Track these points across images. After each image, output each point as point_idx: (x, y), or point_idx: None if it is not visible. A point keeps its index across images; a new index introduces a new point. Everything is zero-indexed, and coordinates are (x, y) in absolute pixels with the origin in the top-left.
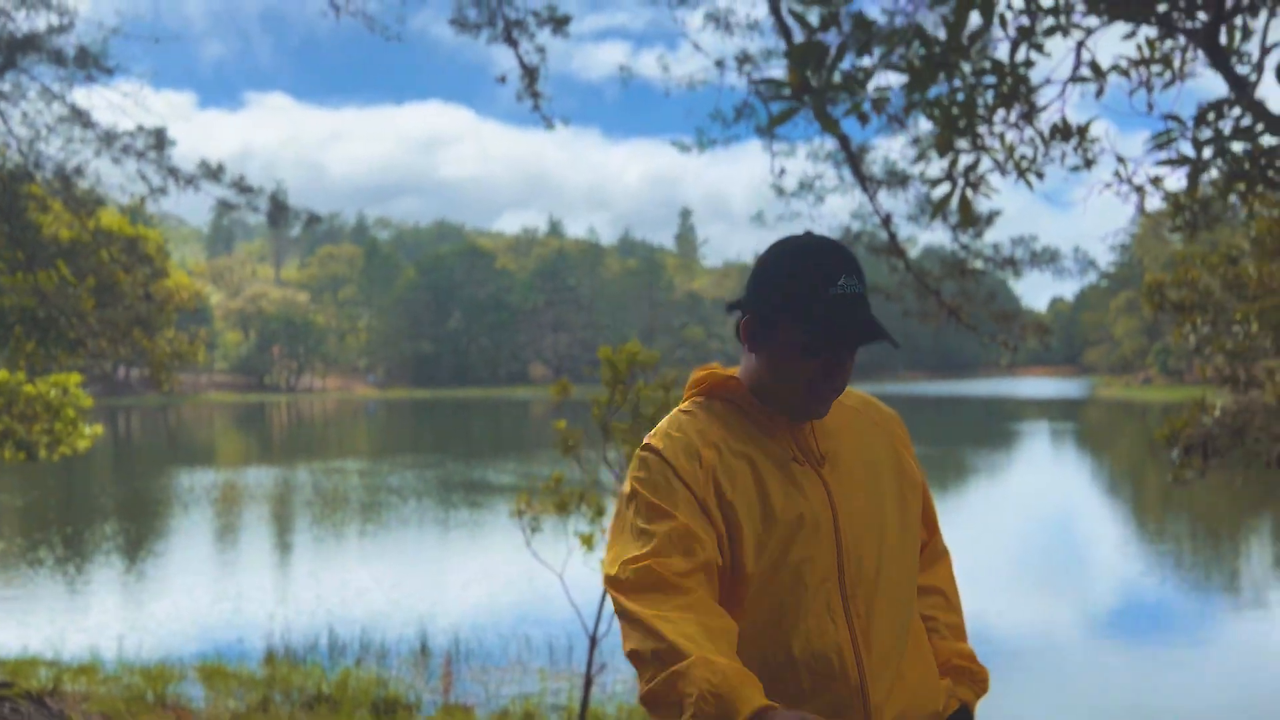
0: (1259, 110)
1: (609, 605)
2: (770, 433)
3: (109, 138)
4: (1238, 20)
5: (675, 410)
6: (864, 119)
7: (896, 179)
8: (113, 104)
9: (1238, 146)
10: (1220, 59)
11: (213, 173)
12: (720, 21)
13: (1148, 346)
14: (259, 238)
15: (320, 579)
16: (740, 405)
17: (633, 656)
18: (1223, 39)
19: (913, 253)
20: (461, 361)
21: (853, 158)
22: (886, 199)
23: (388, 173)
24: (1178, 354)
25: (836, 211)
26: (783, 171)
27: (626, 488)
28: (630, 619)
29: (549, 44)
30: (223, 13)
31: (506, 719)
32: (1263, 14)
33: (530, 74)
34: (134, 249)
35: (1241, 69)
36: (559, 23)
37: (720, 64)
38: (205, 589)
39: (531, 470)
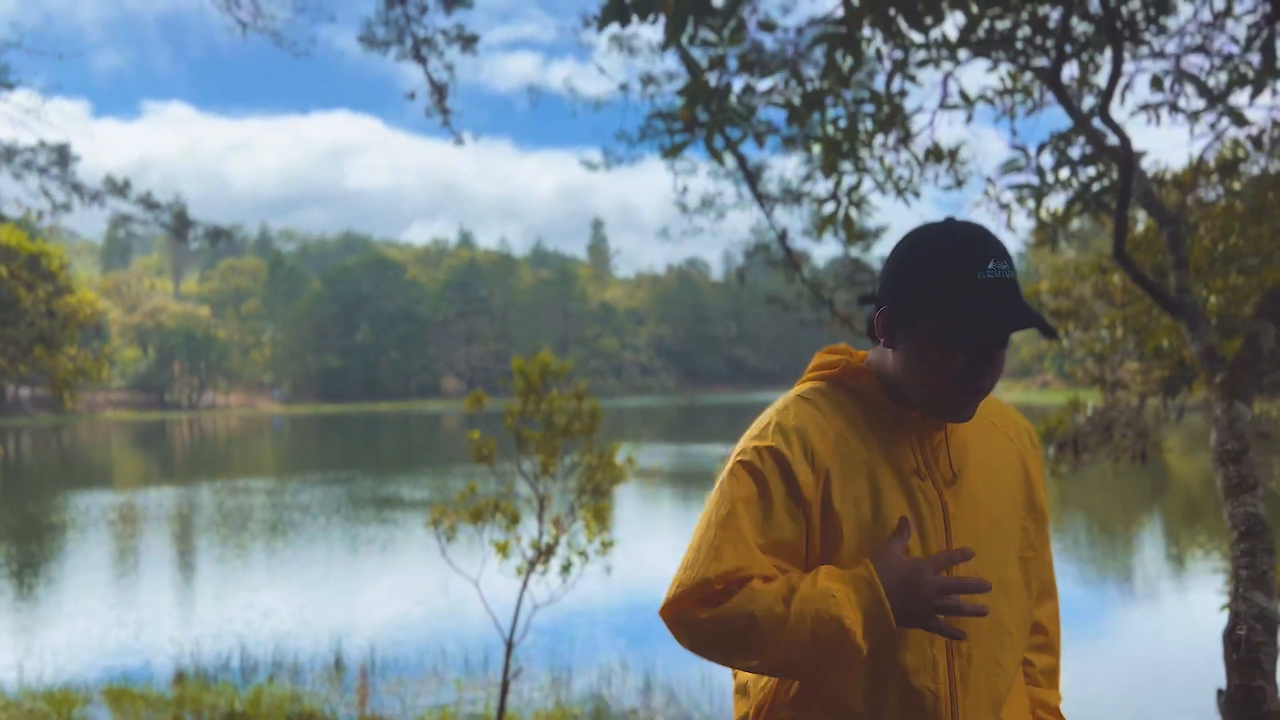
0: (1097, 141)
1: (525, 609)
2: (897, 434)
3: (9, 153)
4: (1085, 56)
5: (793, 394)
6: (759, 139)
7: (791, 196)
8: (10, 118)
9: (1084, 173)
10: (1062, 94)
11: (118, 188)
12: (624, 45)
13: (1045, 351)
14: (157, 251)
15: (228, 599)
16: (868, 398)
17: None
18: (1071, 74)
19: (817, 264)
20: (370, 375)
21: (750, 177)
22: (782, 215)
23: (292, 184)
24: (1070, 358)
25: (737, 227)
26: (685, 189)
27: (728, 484)
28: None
29: (457, 60)
30: (118, 21)
31: None
32: (1108, 51)
33: (439, 91)
34: (35, 266)
35: (1093, 100)
36: (467, 41)
37: (625, 87)
38: (107, 613)
39: (444, 484)
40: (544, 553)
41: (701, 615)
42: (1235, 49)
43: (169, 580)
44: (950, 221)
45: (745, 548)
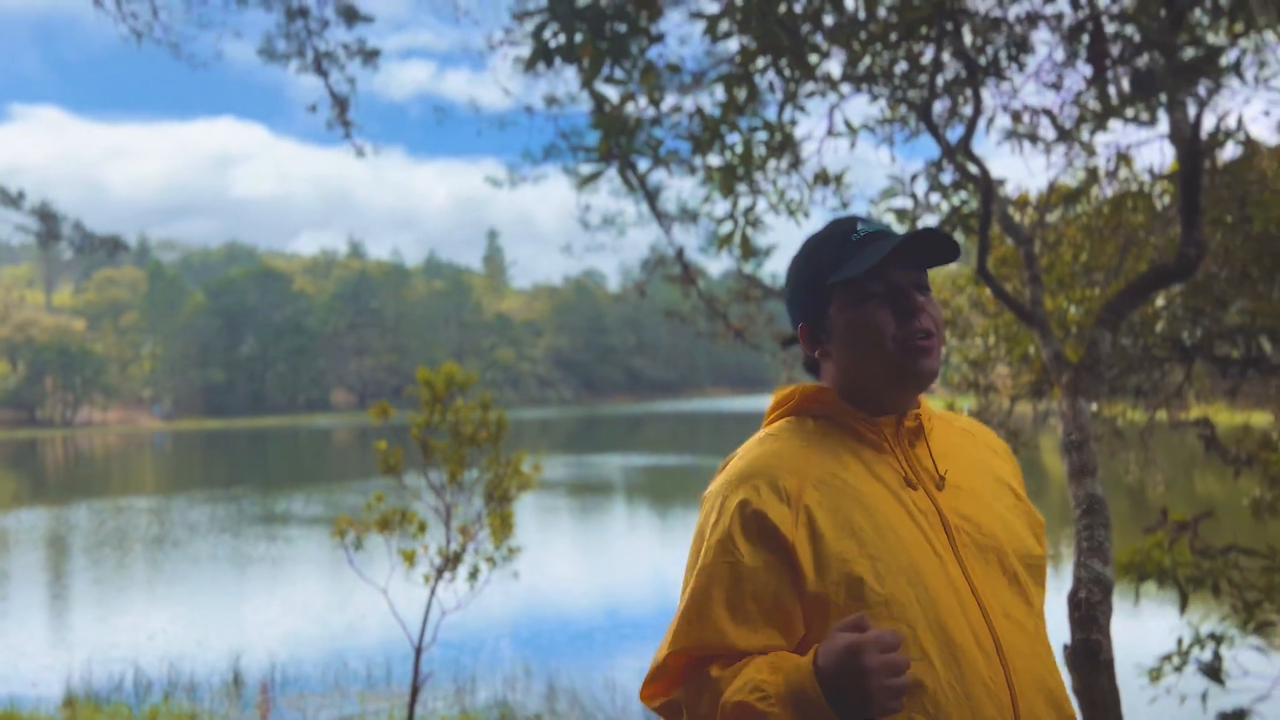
0: (963, 169)
1: (434, 614)
2: (877, 448)
3: None
4: (954, 92)
5: (756, 436)
6: (667, 168)
7: (688, 215)
8: None
9: (956, 197)
10: (932, 126)
11: (12, 200)
12: (524, 60)
13: None
14: (26, 261)
15: (115, 620)
16: (837, 419)
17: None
18: (944, 106)
19: (712, 278)
20: (257, 389)
21: (650, 196)
22: (680, 233)
23: (173, 192)
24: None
25: (637, 244)
26: (588, 207)
27: (704, 545)
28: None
29: (358, 73)
30: None
31: None
32: (975, 87)
33: (341, 104)
34: None
35: (963, 130)
36: (368, 55)
37: (530, 110)
38: None
39: (338, 499)
40: (451, 560)
41: (654, 704)
42: (1082, 87)
43: (48, 603)
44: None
45: (710, 623)
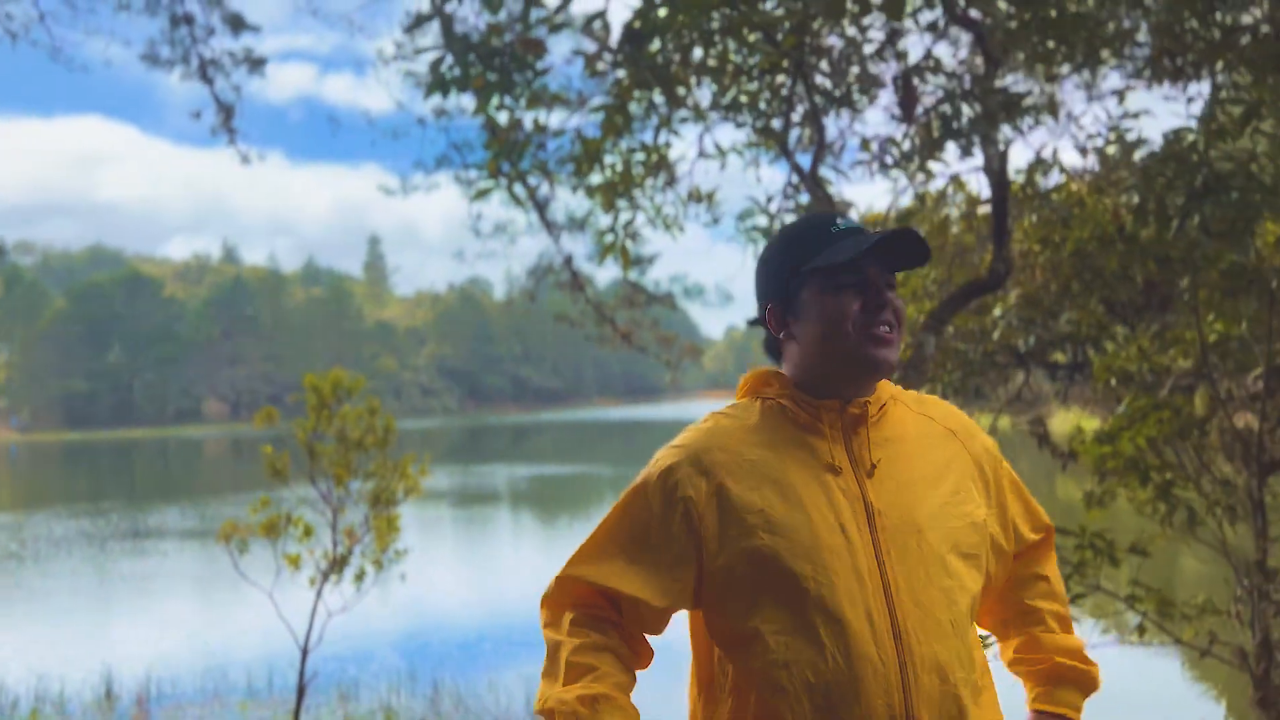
0: (815, 192)
1: (320, 617)
2: (814, 432)
3: None
4: (809, 122)
5: (709, 414)
6: (551, 183)
7: (576, 224)
8: None
9: None
10: (787, 153)
11: None
12: (419, 81)
13: None
14: None
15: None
16: (783, 403)
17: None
18: (803, 133)
19: (599, 285)
20: (123, 399)
21: (539, 207)
22: (569, 241)
23: (33, 193)
24: None
25: (525, 251)
26: (480, 216)
27: (622, 498)
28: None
29: (244, 81)
30: None
31: None
32: (831, 116)
33: (226, 111)
34: None
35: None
36: (255, 63)
37: (422, 122)
38: None
39: (211, 511)
40: (337, 562)
41: (542, 625)
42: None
43: None
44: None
45: (604, 559)
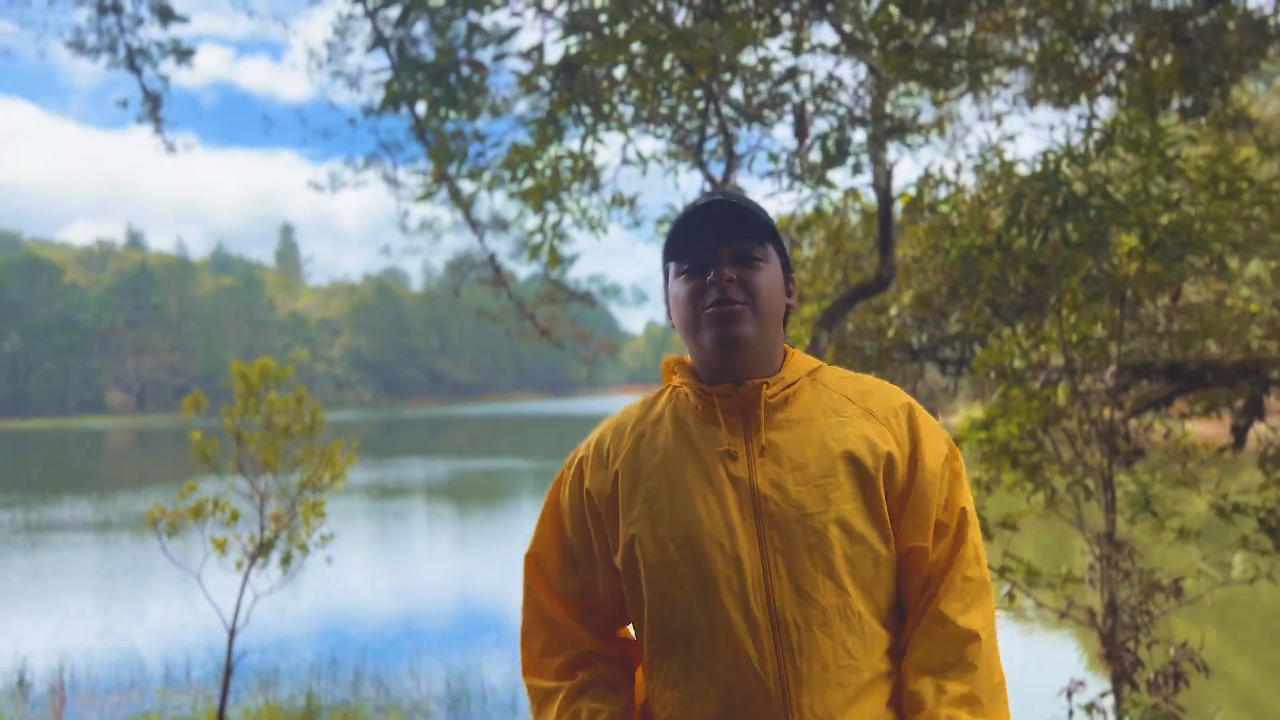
0: None
1: (247, 601)
2: (710, 419)
3: None
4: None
5: (630, 403)
6: (489, 187)
7: (500, 224)
8: None
9: None
10: (701, 163)
11: None
12: (353, 82)
13: None
14: None
15: None
16: (686, 389)
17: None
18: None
19: (520, 281)
20: (20, 389)
21: (464, 206)
22: (492, 240)
23: None
24: None
25: (453, 247)
26: (407, 213)
27: (550, 486)
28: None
29: (171, 71)
30: None
31: None
32: (744, 128)
33: (153, 100)
34: None
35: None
36: (183, 54)
37: (353, 122)
38: None
39: (122, 505)
40: (264, 546)
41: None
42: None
43: None
44: None
45: (549, 557)
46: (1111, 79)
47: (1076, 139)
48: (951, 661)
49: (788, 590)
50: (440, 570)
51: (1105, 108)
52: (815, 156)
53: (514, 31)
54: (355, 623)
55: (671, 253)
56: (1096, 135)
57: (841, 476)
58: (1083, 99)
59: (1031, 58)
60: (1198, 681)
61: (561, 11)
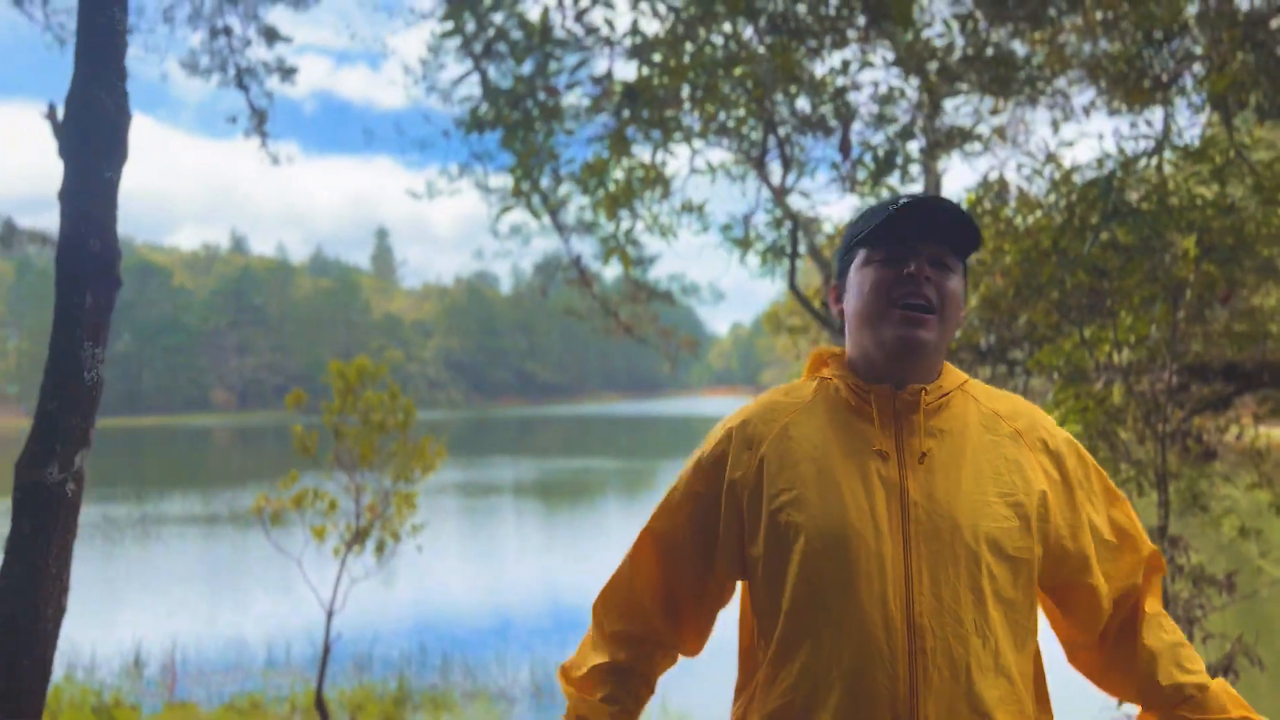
0: (783, 207)
1: (344, 582)
2: (863, 416)
3: None
4: (785, 148)
5: (772, 389)
6: (561, 204)
7: (585, 227)
8: None
9: (780, 232)
10: (764, 175)
11: None
12: (446, 97)
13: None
14: None
15: None
16: (839, 384)
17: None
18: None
19: (607, 282)
20: (132, 388)
21: (551, 209)
22: (577, 242)
23: (45, 181)
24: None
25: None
26: (498, 218)
27: (686, 464)
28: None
29: (275, 88)
30: None
31: (232, 708)
32: (803, 140)
33: (260, 116)
34: None
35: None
36: (287, 72)
37: (447, 134)
38: None
39: (230, 499)
40: (360, 535)
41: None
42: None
43: None
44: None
45: (668, 536)
46: (1187, 81)
47: (1132, 146)
48: (1178, 642)
49: (928, 597)
50: (528, 567)
51: (1167, 113)
52: (863, 170)
53: (583, 63)
54: (444, 614)
55: (868, 238)
56: (1150, 142)
57: (994, 493)
58: (1153, 104)
59: (1106, 62)
60: (1253, 676)
61: (627, 42)
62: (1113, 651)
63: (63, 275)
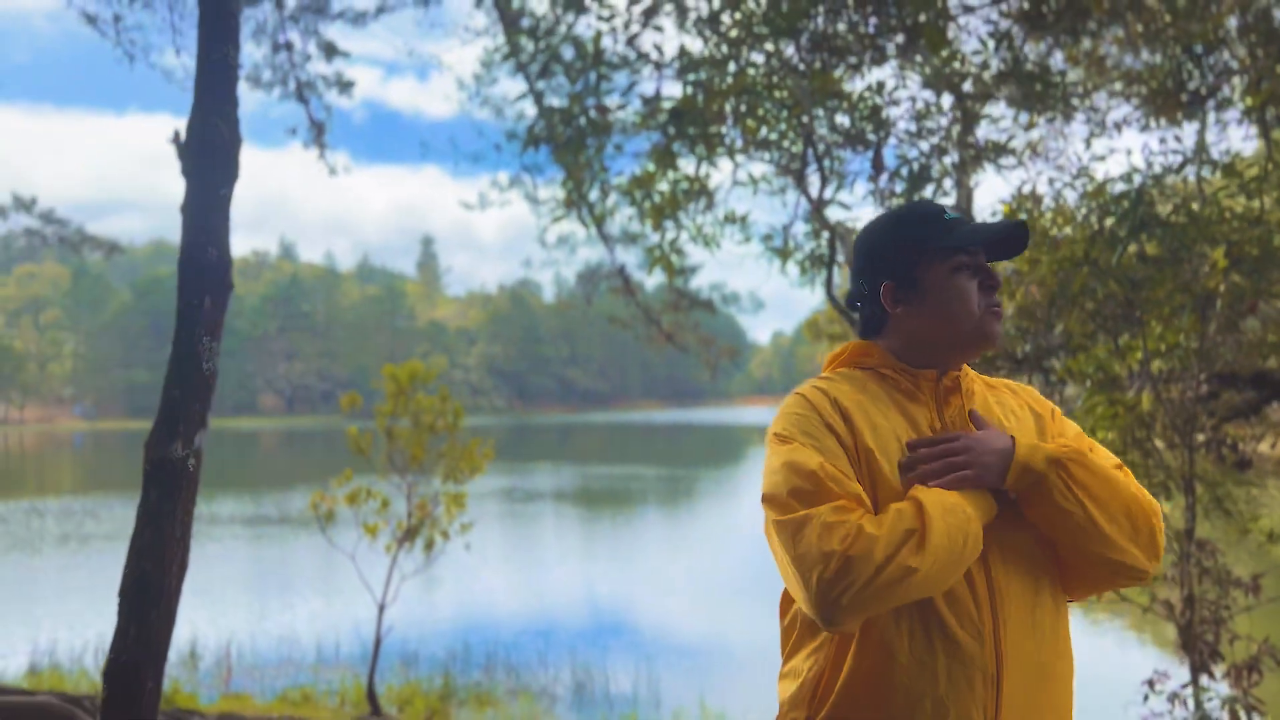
0: (821, 219)
1: (395, 579)
2: (914, 399)
3: None
4: (824, 162)
5: (811, 381)
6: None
7: (629, 238)
8: None
9: (819, 242)
10: (803, 188)
11: (25, 205)
12: (498, 111)
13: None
14: None
15: (69, 602)
16: (881, 371)
17: (803, 559)
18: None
19: (649, 291)
20: None
21: (599, 223)
22: (621, 252)
23: (104, 188)
24: None
25: (586, 259)
26: (546, 229)
27: (777, 428)
28: (800, 523)
29: (334, 100)
30: None
31: (285, 700)
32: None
33: (319, 128)
34: None
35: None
36: (344, 85)
37: (499, 147)
38: None
39: (281, 501)
40: (410, 532)
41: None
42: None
43: (16, 585)
44: (896, 207)
45: (820, 464)
46: (1227, 92)
47: (1161, 160)
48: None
49: (996, 562)
50: (569, 571)
51: (1203, 127)
52: (900, 182)
53: (633, 85)
54: (488, 617)
55: (965, 243)
56: (1179, 156)
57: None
58: (1191, 118)
59: (1146, 75)
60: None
61: (675, 65)
62: None
63: (184, 280)
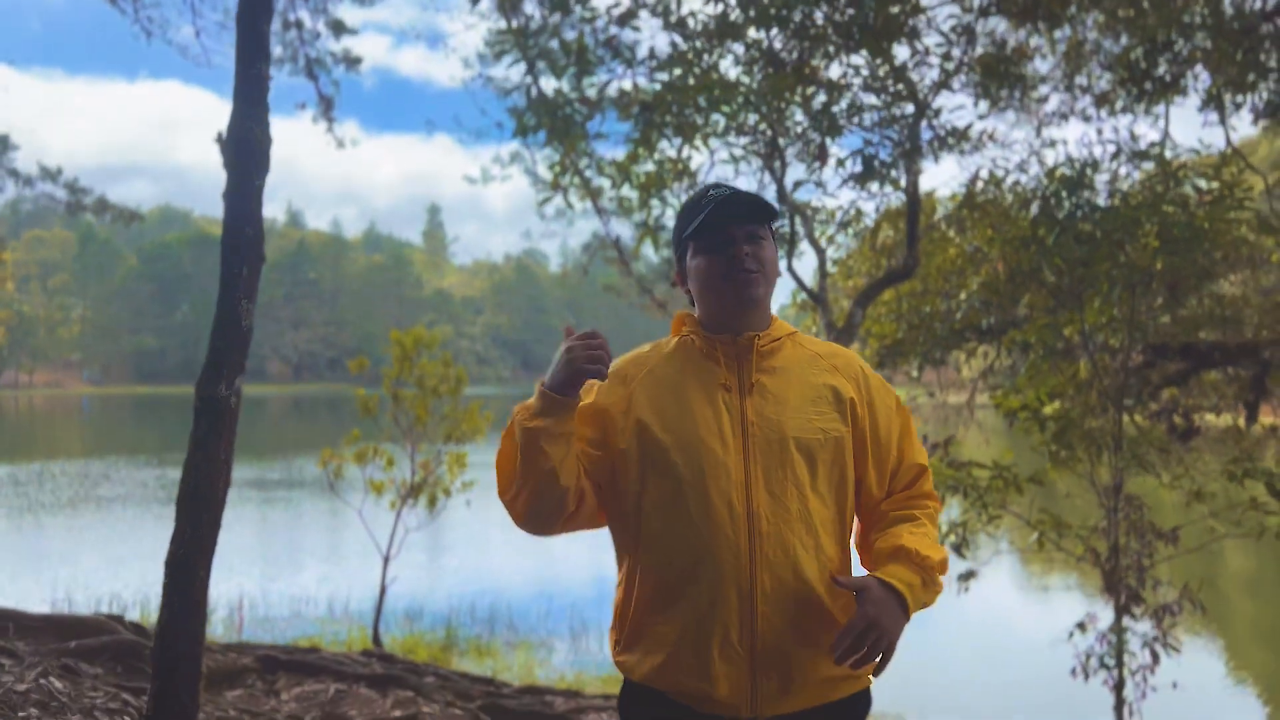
0: (786, 199)
1: (399, 533)
2: (712, 359)
3: None
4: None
5: (645, 345)
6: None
7: (624, 210)
8: None
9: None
10: (772, 171)
11: (51, 175)
12: (501, 91)
13: None
14: None
15: (87, 557)
16: (691, 337)
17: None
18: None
19: (651, 260)
20: (189, 356)
21: (593, 197)
22: (616, 224)
23: (114, 153)
24: None
25: (583, 230)
26: (544, 202)
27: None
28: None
29: (341, 76)
30: None
31: (295, 648)
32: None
33: (327, 103)
34: None
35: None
36: (352, 61)
37: (500, 125)
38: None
39: (287, 467)
40: (415, 489)
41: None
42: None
43: (28, 542)
44: None
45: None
46: (1190, 81)
47: (1100, 151)
48: (916, 522)
49: (762, 493)
50: (571, 537)
51: (1138, 117)
52: (853, 167)
53: (609, 82)
54: (490, 579)
55: (694, 232)
56: (1114, 146)
57: (812, 412)
58: (1154, 104)
59: (1113, 64)
60: (1204, 620)
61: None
62: (872, 524)
63: (226, 252)
